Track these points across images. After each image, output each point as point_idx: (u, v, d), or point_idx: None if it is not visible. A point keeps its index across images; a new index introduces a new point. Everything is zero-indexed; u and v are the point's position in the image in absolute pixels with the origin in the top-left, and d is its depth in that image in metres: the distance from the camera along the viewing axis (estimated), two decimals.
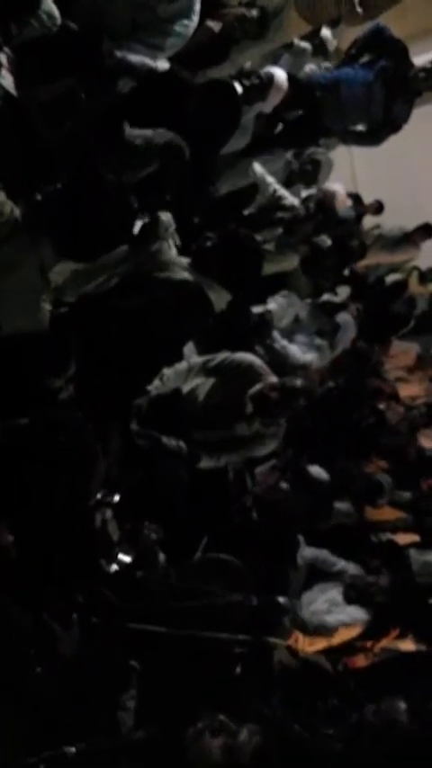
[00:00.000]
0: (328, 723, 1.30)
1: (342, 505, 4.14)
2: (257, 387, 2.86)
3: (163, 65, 2.95)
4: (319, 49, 4.37)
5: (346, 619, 3.50)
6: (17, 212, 2.12)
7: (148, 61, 2.88)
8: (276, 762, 1.18)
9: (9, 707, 1.58)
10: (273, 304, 4.11)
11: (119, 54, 2.83)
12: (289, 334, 4.13)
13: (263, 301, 4.09)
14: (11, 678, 1.60)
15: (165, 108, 2.84)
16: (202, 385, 2.99)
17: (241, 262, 2.73)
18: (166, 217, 2.77)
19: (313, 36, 4.10)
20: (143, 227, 2.74)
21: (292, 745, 1.23)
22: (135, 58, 2.85)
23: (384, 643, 3.77)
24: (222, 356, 3.04)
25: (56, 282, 2.42)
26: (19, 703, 1.63)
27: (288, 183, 4.17)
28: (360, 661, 3.67)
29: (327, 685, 2.49)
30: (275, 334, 3.98)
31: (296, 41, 4.06)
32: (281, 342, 3.97)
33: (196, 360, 3.09)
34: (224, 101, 2.95)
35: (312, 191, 4.48)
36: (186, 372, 3.06)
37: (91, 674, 1.93)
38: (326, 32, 4.29)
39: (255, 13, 3.23)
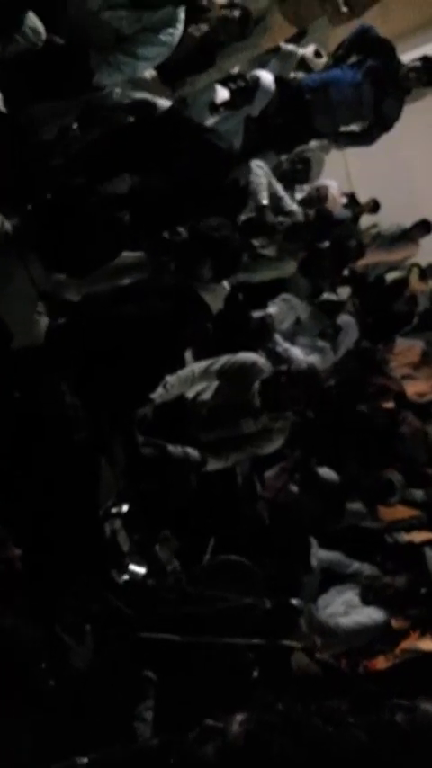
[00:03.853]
0: (350, 715, 1.27)
1: (354, 506, 4.10)
2: (265, 375, 2.87)
3: (164, 103, 2.94)
4: (304, 66, 4.35)
5: (364, 620, 3.45)
6: (8, 226, 2.12)
7: (149, 98, 2.89)
8: (275, 744, 1.15)
9: (22, 721, 1.56)
10: (273, 308, 4.10)
11: (125, 94, 2.82)
12: (291, 337, 4.12)
13: (263, 305, 4.08)
14: (23, 692, 1.58)
15: (158, 147, 2.81)
16: (207, 388, 2.99)
17: (217, 251, 2.72)
18: (181, 229, 2.77)
19: (299, 38, 4.11)
20: (162, 240, 2.74)
21: (310, 738, 1.20)
22: (138, 95, 2.86)
23: (405, 644, 3.72)
24: (225, 358, 3.05)
25: (58, 279, 2.42)
26: (32, 717, 1.61)
27: (282, 183, 4.17)
28: (380, 663, 3.63)
29: (345, 687, 2.45)
30: (277, 337, 3.97)
31: (283, 45, 4.08)
32: (283, 345, 3.96)
33: (199, 365, 3.09)
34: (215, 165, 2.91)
35: (305, 191, 4.48)
36: (190, 378, 3.06)
37: (105, 685, 1.91)
38: (309, 52, 4.28)
39: (237, 13, 3.24)
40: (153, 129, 2.77)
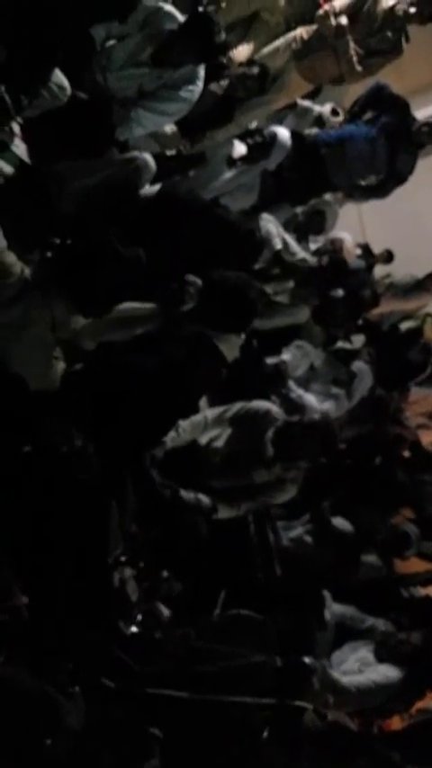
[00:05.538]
0: None
1: (369, 558, 4.01)
2: (278, 423, 2.86)
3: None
4: (321, 123, 4.48)
5: (379, 679, 3.34)
6: (27, 272, 2.16)
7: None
8: None
9: None
10: (287, 354, 4.11)
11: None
12: (304, 384, 4.11)
13: (277, 351, 4.09)
14: (20, 750, 1.52)
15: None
16: (220, 435, 2.99)
17: (235, 302, 2.74)
18: (192, 279, 2.81)
19: (314, 95, 4.23)
20: (173, 290, 2.78)
21: None
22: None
23: (420, 704, 3.60)
24: (239, 406, 3.05)
25: (74, 326, 2.44)
26: None
27: (297, 237, 4.23)
28: (395, 723, 3.49)
29: (358, 749, 2.35)
30: (291, 383, 3.96)
31: (299, 102, 4.19)
32: (297, 391, 3.94)
33: (212, 411, 3.09)
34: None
35: (320, 242, 4.54)
36: (202, 424, 3.06)
37: (107, 743, 1.84)
38: (326, 110, 4.41)
39: (255, 70, 3.35)
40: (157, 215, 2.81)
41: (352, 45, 3.58)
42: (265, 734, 2.13)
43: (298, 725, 2.14)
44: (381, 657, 3.41)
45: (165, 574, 2.46)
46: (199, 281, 2.78)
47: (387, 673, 3.37)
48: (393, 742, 3.33)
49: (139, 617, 2.28)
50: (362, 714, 3.43)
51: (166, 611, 2.34)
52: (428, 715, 3.64)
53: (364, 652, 3.42)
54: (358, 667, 3.35)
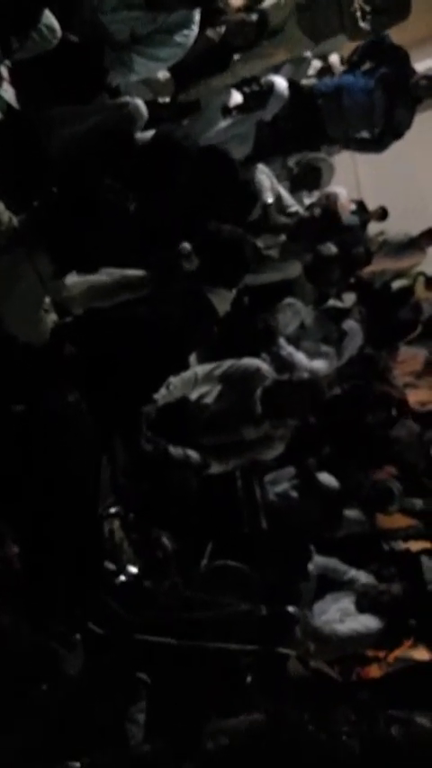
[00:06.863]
0: (343, 725, 1.27)
1: (352, 513, 4.10)
2: (267, 381, 2.88)
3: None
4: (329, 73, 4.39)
5: (359, 628, 3.45)
6: (15, 221, 2.12)
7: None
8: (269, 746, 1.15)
9: (15, 723, 1.56)
10: (278, 312, 4.10)
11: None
12: (295, 341, 4.12)
13: (268, 309, 4.08)
14: (16, 695, 1.58)
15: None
16: (209, 392, 3.00)
17: (230, 256, 2.71)
18: (186, 247, 2.77)
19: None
20: (167, 258, 2.74)
21: (305, 745, 1.20)
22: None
23: (398, 652, 3.72)
24: (229, 363, 3.06)
25: (68, 293, 2.41)
26: (25, 719, 1.61)
27: (291, 190, 4.18)
28: (374, 671, 3.62)
29: (338, 695, 2.45)
30: (281, 341, 3.97)
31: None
32: (287, 349, 3.96)
33: (203, 367, 3.10)
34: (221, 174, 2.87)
35: (314, 197, 4.48)
36: (193, 381, 3.07)
37: (98, 687, 1.90)
38: (335, 60, 4.30)
39: (254, 17, 3.24)
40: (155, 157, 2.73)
41: (357, 0, 3.46)
42: (249, 679, 2.21)
43: (281, 671, 2.22)
44: (361, 608, 3.51)
45: (155, 528, 2.50)
46: (193, 254, 2.73)
47: (367, 622, 3.48)
48: (372, 689, 3.46)
49: (131, 568, 2.33)
50: (342, 662, 3.55)
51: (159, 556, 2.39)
52: (406, 663, 3.77)
53: (346, 602, 3.52)
54: (340, 617, 3.45)
